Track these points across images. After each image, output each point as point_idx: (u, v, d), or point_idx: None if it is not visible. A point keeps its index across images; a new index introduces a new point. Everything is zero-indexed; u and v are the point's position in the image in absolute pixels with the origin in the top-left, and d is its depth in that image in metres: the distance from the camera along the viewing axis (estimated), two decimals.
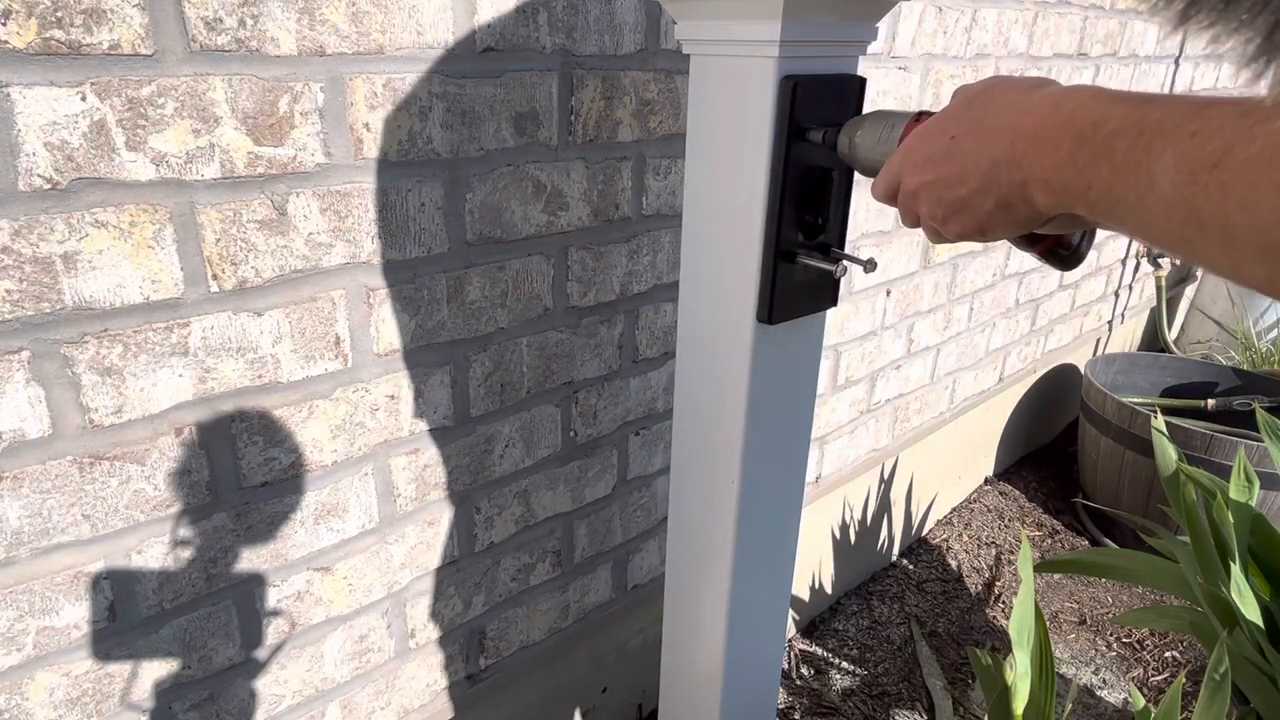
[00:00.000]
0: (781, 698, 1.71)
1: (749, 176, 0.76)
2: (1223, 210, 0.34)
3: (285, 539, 0.93)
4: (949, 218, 0.52)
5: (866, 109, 0.75)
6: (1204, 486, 1.46)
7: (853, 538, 1.97)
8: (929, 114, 0.59)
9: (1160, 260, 2.88)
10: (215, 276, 0.79)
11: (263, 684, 0.97)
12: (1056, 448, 2.82)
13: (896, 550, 2.18)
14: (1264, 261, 0.33)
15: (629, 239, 1.16)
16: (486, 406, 1.07)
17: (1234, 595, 1.28)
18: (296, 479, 0.92)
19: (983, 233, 0.51)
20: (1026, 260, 2.22)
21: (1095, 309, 2.77)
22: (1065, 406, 2.83)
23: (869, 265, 0.77)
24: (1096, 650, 1.92)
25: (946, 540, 2.27)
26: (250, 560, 0.91)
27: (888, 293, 1.74)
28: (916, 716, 1.70)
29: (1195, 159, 0.35)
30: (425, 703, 1.17)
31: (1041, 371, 2.59)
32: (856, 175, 0.77)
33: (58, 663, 0.80)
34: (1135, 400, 2.47)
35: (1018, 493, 2.52)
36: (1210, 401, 2.43)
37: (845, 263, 0.79)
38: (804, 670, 1.79)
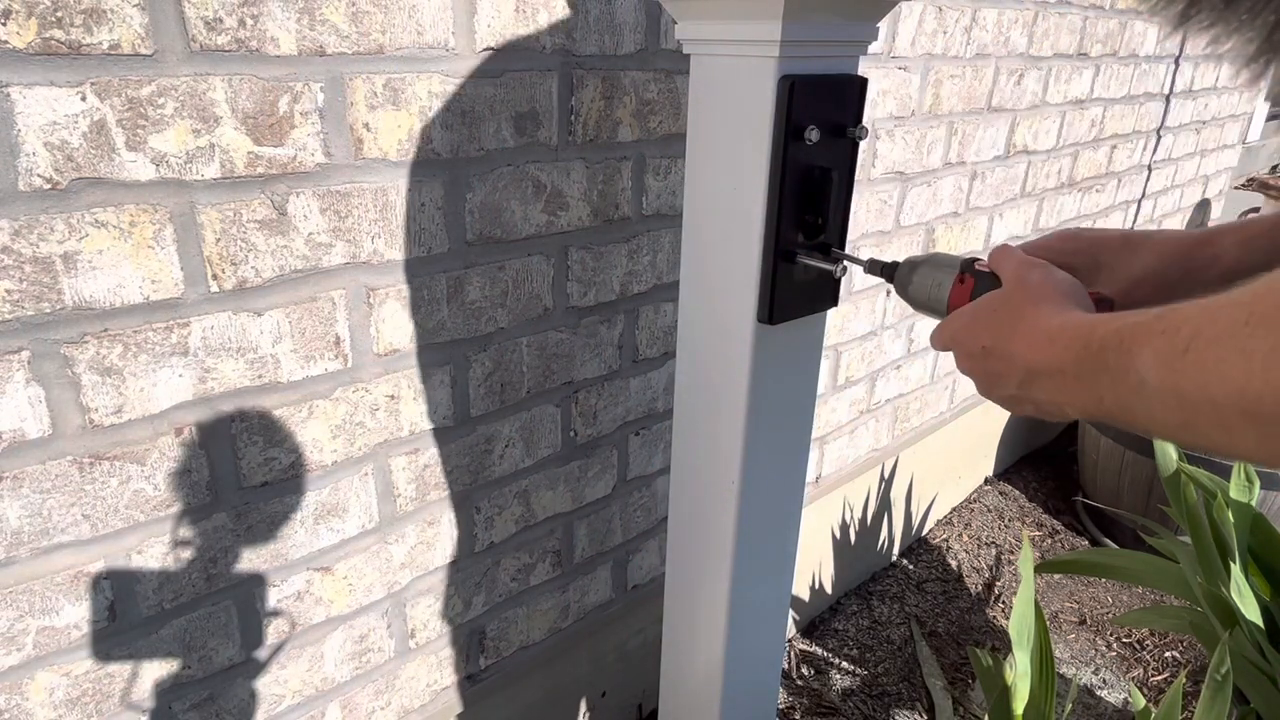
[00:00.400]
0: (781, 698, 1.71)
1: (749, 176, 0.76)
2: (1203, 388, 0.37)
3: (285, 539, 0.93)
4: (1000, 403, 0.59)
5: (867, 110, 0.76)
6: (1204, 486, 1.46)
7: (853, 538, 1.97)
8: (971, 270, 0.67)
9: None
10: (215, 276, 0.79)
11: (263, 684, 0.97)
12: (1056, 448, 2.82)
13: (896, 550, 2.18)
14: (1252, 426, 0.36)
15: (629, 239, 1.16)
16: (486, 406, 1.07)
17: (1234, 595, 1.28)
18: (296, 479, 0.92)
19: (1033, 415, 0.58)
20: None
21: None
22: None
23: (869, 265, 0.77)
24: (1096, 650, 1.92)
25: (946, 540, 2.27)
26: (250, 560, 0.91)
27: (888, 293, 1.74)
28: (916, 716, 1.70)
29: (1169, 350, 0.39)
30: (425, 703, 1.17)
31: None
32: (857, 176, 0.78)
33: (58, 663, 0.80)
34: None
35: (1018, 493, 2.52)
36: None
37: (845, 263, 0.79)
38: (804, 670, 1.79)
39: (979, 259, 0.67)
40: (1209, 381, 0.37)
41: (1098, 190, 2.43)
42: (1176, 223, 3.13)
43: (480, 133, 0.94)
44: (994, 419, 2.45)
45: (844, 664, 1.82)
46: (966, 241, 1.91)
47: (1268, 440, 0.36)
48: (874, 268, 0.78)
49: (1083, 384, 0.47)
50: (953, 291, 0.68)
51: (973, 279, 0.66)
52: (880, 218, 1.61)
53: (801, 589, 1.86)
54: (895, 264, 0.75)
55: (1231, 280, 0.67)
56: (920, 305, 0.72)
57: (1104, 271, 0.69)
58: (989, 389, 0.58)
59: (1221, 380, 0.36)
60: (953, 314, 0.62)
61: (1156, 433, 0.44)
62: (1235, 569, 1.30)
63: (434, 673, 1.16)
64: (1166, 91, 2.57)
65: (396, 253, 0.92)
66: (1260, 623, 1.28)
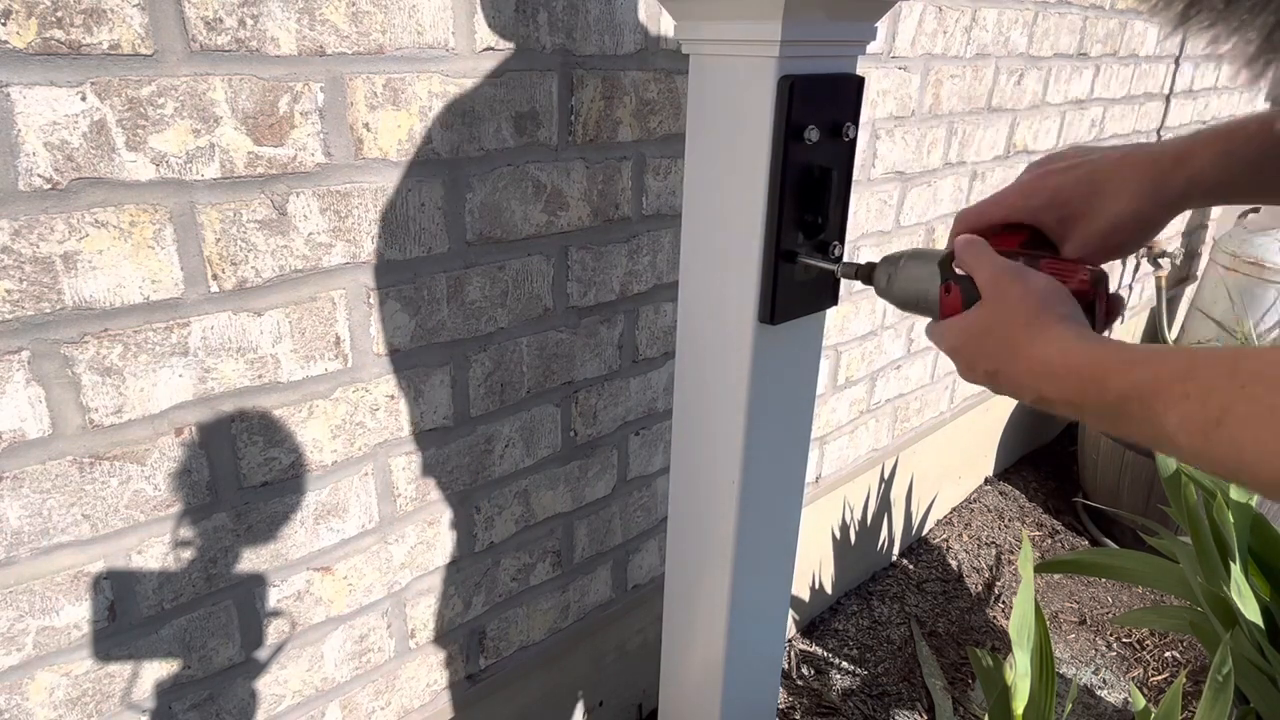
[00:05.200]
0: (781, 698, 1.71)
1: (749, 176, 0.76)
2: (1240, 463, 0.38)
3: (285, 539, 0.93)
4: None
5: (865, 109, 0.76)
6: (1204, 486, 1.46)
7: (853, 538, 1.97)
8: (953, 277, 0.63)
9: (1160, 260, 2.88)
10: (215, 276, 0.79)
11: (263, 684, 0.97)
12: (1056, 448, 2.82)
13: (896, 550, 2.18)
14: None
15: (629, 239, 1.16)
16: (486, 406, 1.07)
17: (1234, 595, 1.28)
18: (296, 479, 0.92)
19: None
20: None
21: None
22: None
23: (843, 269, 0.78)
24: (1096, 650, 1.92)
25: (946, 540, 2.27)
26: (250, 560, 0.91)
27: None
28: (916, 716, 1.70)
29: (1199, 418, 0.39)
30: (425, 703, 1.17)
31: None
32: (857, 176, 0.78)
33: (58, 663, 0.80)
34: None
35: (1018, 493, 2.52)
36: None
37: (811, 262, 0.79)
38: (804, 670, 1.79)
39: (953, 255, 0.64)
40: (1249, 461, 0.37)
41: None
42: (1176, 223, 3.13)
43: (480, 133, 0.94)
44: (994, 419, 2.45)
45: (844, 664, 1.82)
46: None
47: None
48: (848, 271, 0.76)
49: (1103, 419, 0.47)
50: (942, 302, 0.65)
51: (958, 287, 0.63)
52: (880, 218, 1.61)
53: (801, 589, 1.86)
54: (872, 265, 0.73)
55: (1214, 198, 0.60)
56: (908, 308, 0.70)
57: (1077, 223, 0.62)
58: (1000, 393, 0.59)
59: (1263, 463, 0.37)
60: (947, 325, 0.61)
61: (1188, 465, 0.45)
62: (1235, 569, 1.30)
63: (434, 673, 1.16)
64: (1166, 91, 2.57)
65: (396, 253, 0.92)
66: (1260, 623, 1.28)
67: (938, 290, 0.65)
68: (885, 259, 0.71)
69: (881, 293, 0.71)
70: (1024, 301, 0.55)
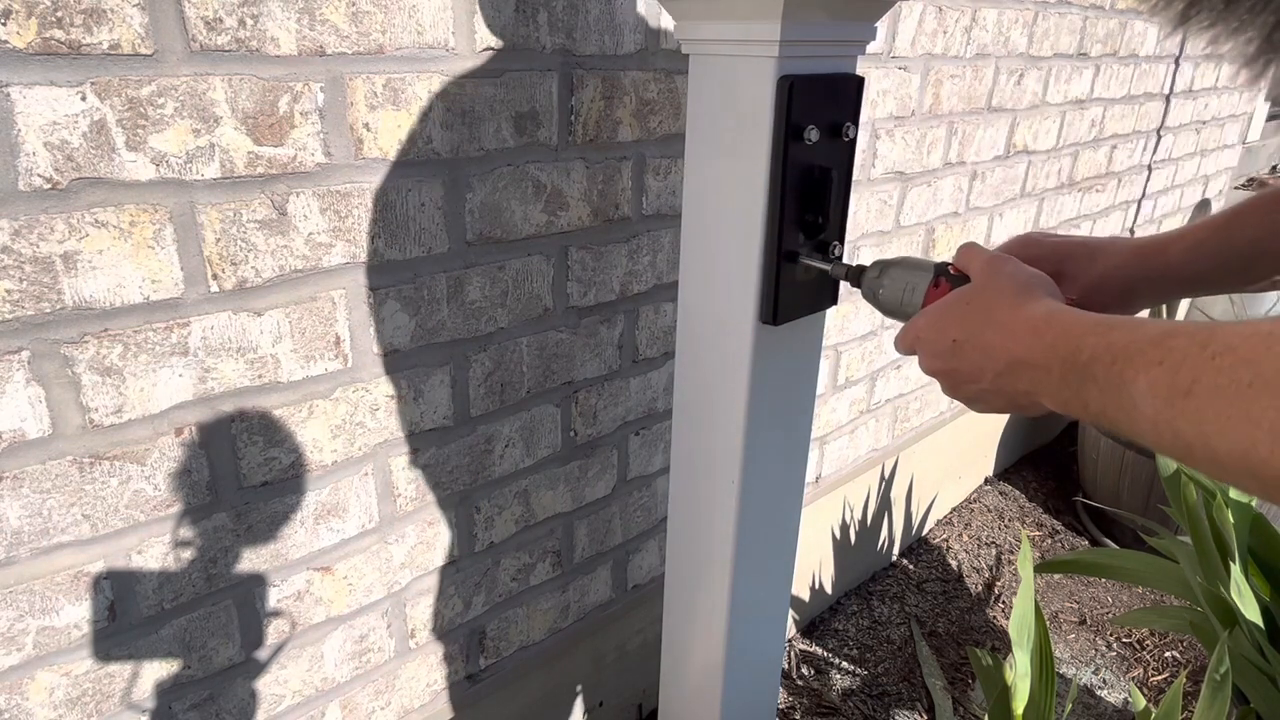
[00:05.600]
0: (781, 698, 1.71)
1: (749, 176, 0.76)
2: (1203, 436, 0.37)
3: (285, 539, 0.93)
4: (966, 400, 0.58)
5: (865, 109, 0.76)
6: (1204, 486, 1.46)
7: (853, 538, 1.97)
8: (946, 274, 0.65)
9: None
10: (215, 276, 0.79)
11: (263, 684, 0.97)
12: (1056, 448, 2.82)
13: (896, 550, 2.18)
14: (1253, 481, 0.36)
15: (629, 239, 1.16)
16: (486, 406, 1.07)
17: (1234, 595, 1.28)
18: (297, 479, 0.92)
19: (999, 413, 0.58)
20: None
21: None
22: None
23: (834, 269, 0.78)
24: (1096, 650, 1.92)
25: (946, 540, 2.27)
26: (250, 560, 0.91)
27: None
28: (916, 716, 1.70)
29: (1167, 386, 0.38)
30: (425, 702, 1.17)
31: None
32: (857, 176, 0.78)
33: (58, 663, 0.80)
34: None
35: (1018, 493, 2.52)
36: None
37: (810, 263, 0.79)
38: (804, 670, 1.79)
39: (950, 263, 0.66)
40: (1211, 433, 0.36)
41: (1098, 190, 2.43)
42: (1176, 223, 3.13)
43: (480, 133, 0.94)
44: (994, 418, 2.45)
45: (844, 664, 1.82)
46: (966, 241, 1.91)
47: (1268, 493, 0.36)
48: (839, 271, 0.77)
49: (1067, 386, 0.47)
50: (928, 295, 0.66)
51: (948, 283, 0.65)
52: (880, 218, 1.61)
53: (801, 589, 1.86)
54: (862, 268, 0.73)
55: (1188, 286, 0.68)
56: (891, 311, 0.70)
57: (1066, 278, 0.68)
58: (956, 385, 0.57)
59: (1224, 436, 0.36)
60: (924, 311, 0.61)
61: (1143, 444, 0.43)
62: (1235, 569, 1.30)
63: (434, 673, 1.16)
64: (1166, 91, 2.57)
65: (396, 253, 0.92)
66: (1260, 623, 1.28)
67: (925, 287, 0.66)
68: (876, 262, 0.72)
69: (867, 293, 0.72)
70: (1015, 278, 0.56)
